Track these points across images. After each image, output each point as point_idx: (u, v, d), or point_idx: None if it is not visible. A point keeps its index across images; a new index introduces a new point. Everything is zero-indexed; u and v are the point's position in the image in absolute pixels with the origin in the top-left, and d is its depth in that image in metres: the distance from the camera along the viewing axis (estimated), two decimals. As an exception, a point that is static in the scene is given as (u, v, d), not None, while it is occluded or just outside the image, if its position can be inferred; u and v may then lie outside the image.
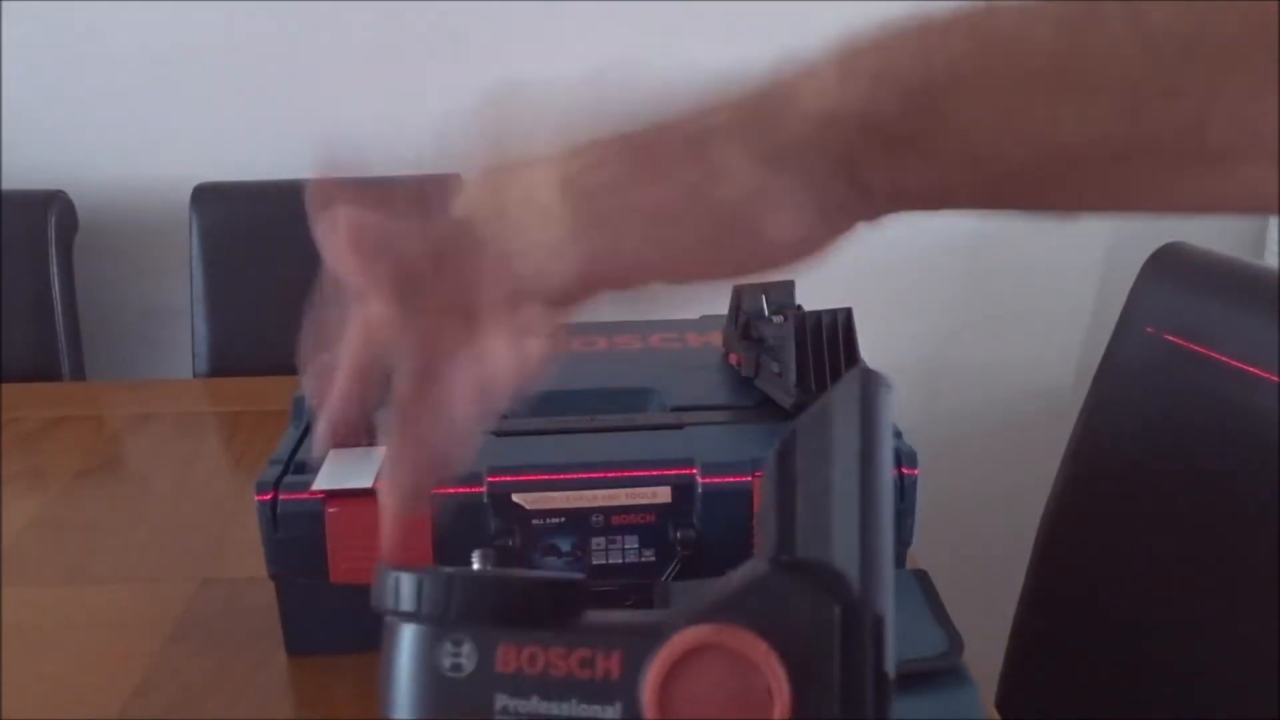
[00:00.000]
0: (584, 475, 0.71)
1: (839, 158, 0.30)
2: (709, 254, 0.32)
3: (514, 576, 0.32)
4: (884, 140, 0.30)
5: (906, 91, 0.30)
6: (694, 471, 0.71)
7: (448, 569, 0.31)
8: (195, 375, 1.61)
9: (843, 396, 0.31)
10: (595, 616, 0.31)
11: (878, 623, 0.29)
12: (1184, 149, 0.28)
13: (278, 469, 0.72)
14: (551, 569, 0.71)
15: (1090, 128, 0.28)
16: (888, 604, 0.29)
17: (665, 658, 0.28)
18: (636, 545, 0.70)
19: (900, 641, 0.29)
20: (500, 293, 0.33)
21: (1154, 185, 0.29)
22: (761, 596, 0.29)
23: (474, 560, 0.33)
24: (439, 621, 0.30)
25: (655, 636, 0.29)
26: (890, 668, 0.29)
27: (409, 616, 0.31)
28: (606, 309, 0.34)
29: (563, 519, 0.70)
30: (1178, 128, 0.28)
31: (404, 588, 0.31)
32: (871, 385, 0.31)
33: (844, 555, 0.30)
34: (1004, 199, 0.31)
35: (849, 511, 0.30)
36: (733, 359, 0.89)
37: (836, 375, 0.79)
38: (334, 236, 0.33)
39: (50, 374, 1.58)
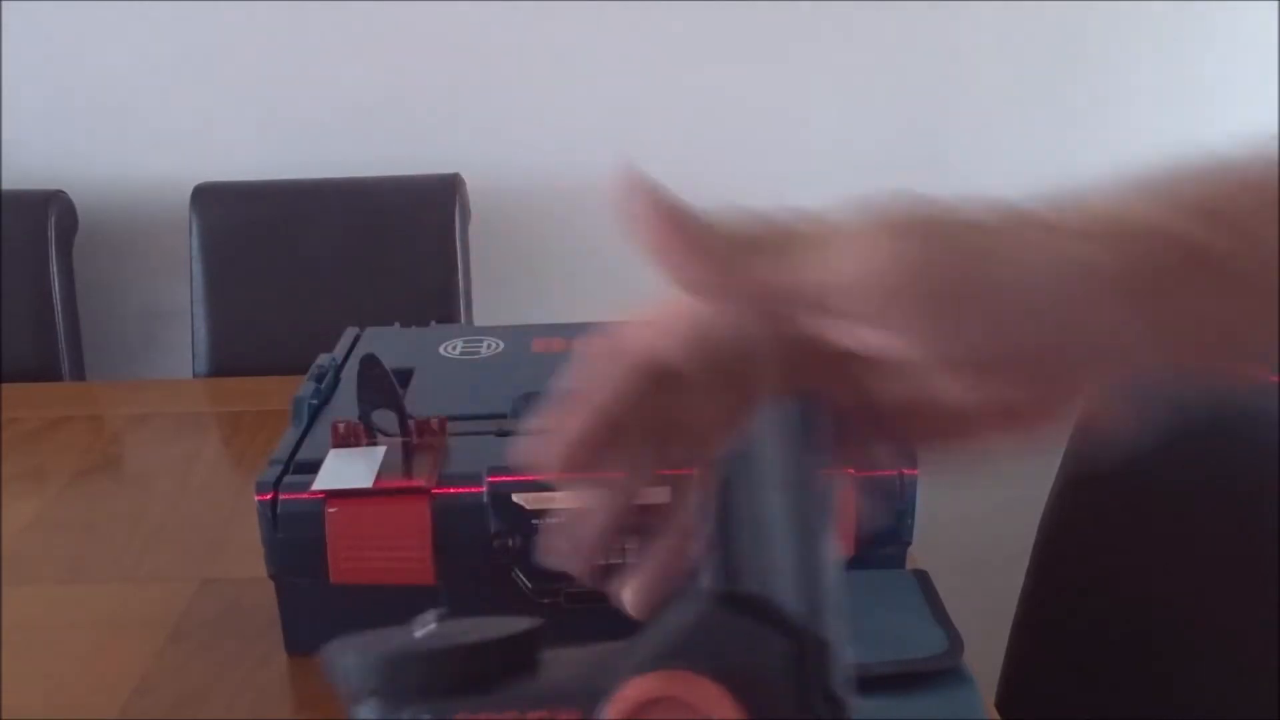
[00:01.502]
0: (584, 475, 0.71)
1: (1149, 283, 0.27)
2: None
3: (463, 644, 0.31)
4: (1183, 259, 0.27)
5: (1195, 209, 0.27)
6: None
7: (398, 640, 0.31)
8: (195, 375, 1.61)
9: (769, 424, 0.31)
10: (553, 666, 0.31)
11: (823, 648, 0.29)
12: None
13: (278, 469, 0.72)
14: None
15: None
16: (832, 628, 0.29)
17: (620, 712, 0.28)
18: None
19: (900, 641, 0.29)
20: None
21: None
22: (708, 637, 0.29)
23: (423, 624, 0.32)
24: (393, 699, 0.30)
25: (608, 691, 0.29)
26: (840, 689, 0.29)
27: (363, 694, 0.30)
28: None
29: (563, 519, 0.70)
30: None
31: (354, 668, 0.30)
32: (797, 411, 0.31)
33: (784, 585, 0.29)
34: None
35: (786, 540, 0.30)
36: (733, 359, 0.89)
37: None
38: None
39: (50, 374, 1.58)
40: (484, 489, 0.71)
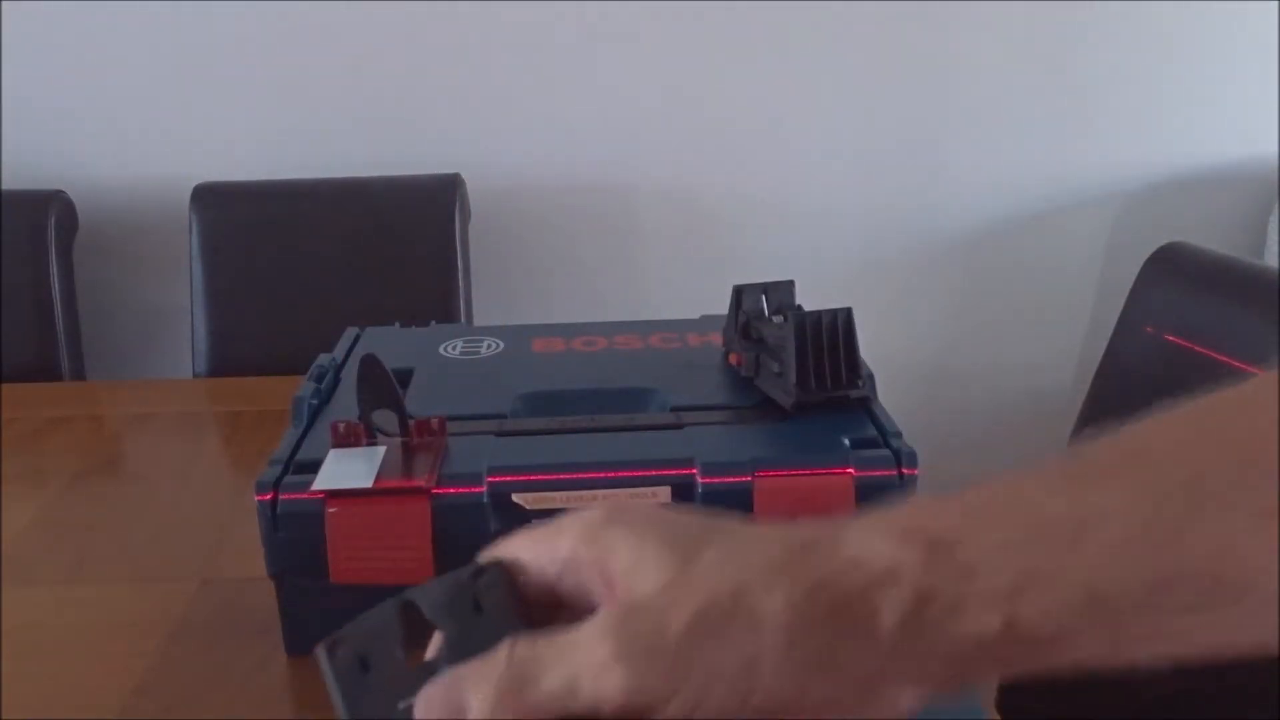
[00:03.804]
0: (584, 475, 0.71)
1: (864, 627, 0.30)
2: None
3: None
4: (907, 600, 0.30)
5: (927, 544, 0.30)
6: (694, 471, 0.71)
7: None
8: (195, 375, 1.61)
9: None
10: None
11: None
12: (1200, 590, 0.29)
13: (278, 469, 0.72)
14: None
15: (1093, 574, 0.29)
16: None
17: None
18: None
19: None
20: None
21: (1155, 632, 0.30)
22: None
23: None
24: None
25: None
26: None
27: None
28: None
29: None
30: (1169, 569, 0.29)
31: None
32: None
33: None
34: (1021, 657, 0.31)
35: None
36: (733, 359, 0.89)
37: (836, 375, 0.79)
38: None
39: (50, 374, 1.58)
40: (484, 489, 0.71)
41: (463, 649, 0.34)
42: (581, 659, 0.31)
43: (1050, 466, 0.32)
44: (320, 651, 0.35)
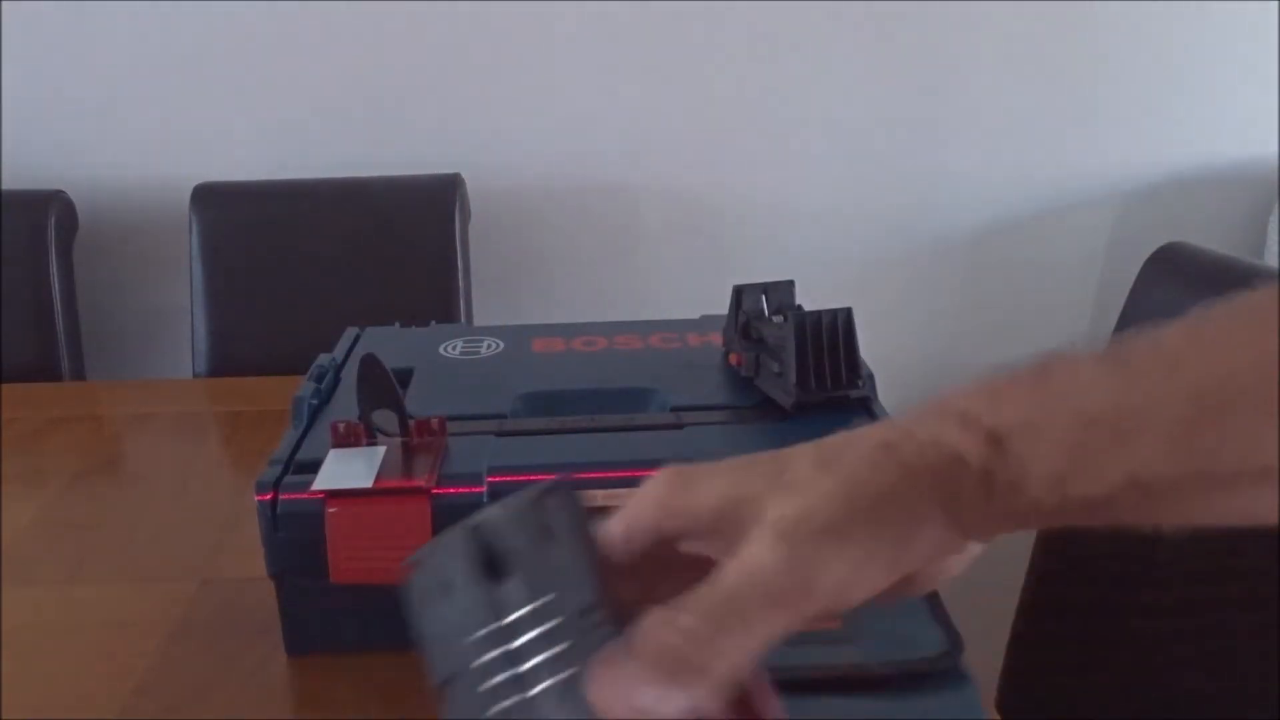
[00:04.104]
0: (584, 475, 0.71)
1: (946, 490, 0.35)
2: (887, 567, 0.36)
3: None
4: (976, 478, 0.35)
5: (986, 436, 0.35)
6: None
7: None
8: (195, 375, 1.61)
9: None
10: None
11: None
12: (1210, 477, 0.34)
13: (278, 469, 0.72)
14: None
15: (1136, 465, 0.34)
16: None
17: None
18: None
19: (900, 641, 0.29)
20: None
21: (1184, 506, 0.35)
22: None
23: None
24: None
25: None
26: None
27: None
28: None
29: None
30: (1202, 462, 0.33)
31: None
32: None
33: None
34: (1071, 519, 0.36)
35: None
36: (733, 359, 0.89)
37: (836, 375, 0.79)
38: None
39: (50, 374, 1.58)
40: (484, 489, 0.71)
41: (536, 573, 0.34)
42: (844, 554, 0.34)
43: (1093, 359, 0.36)
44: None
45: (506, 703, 0.34)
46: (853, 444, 0.37)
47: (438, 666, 0.36)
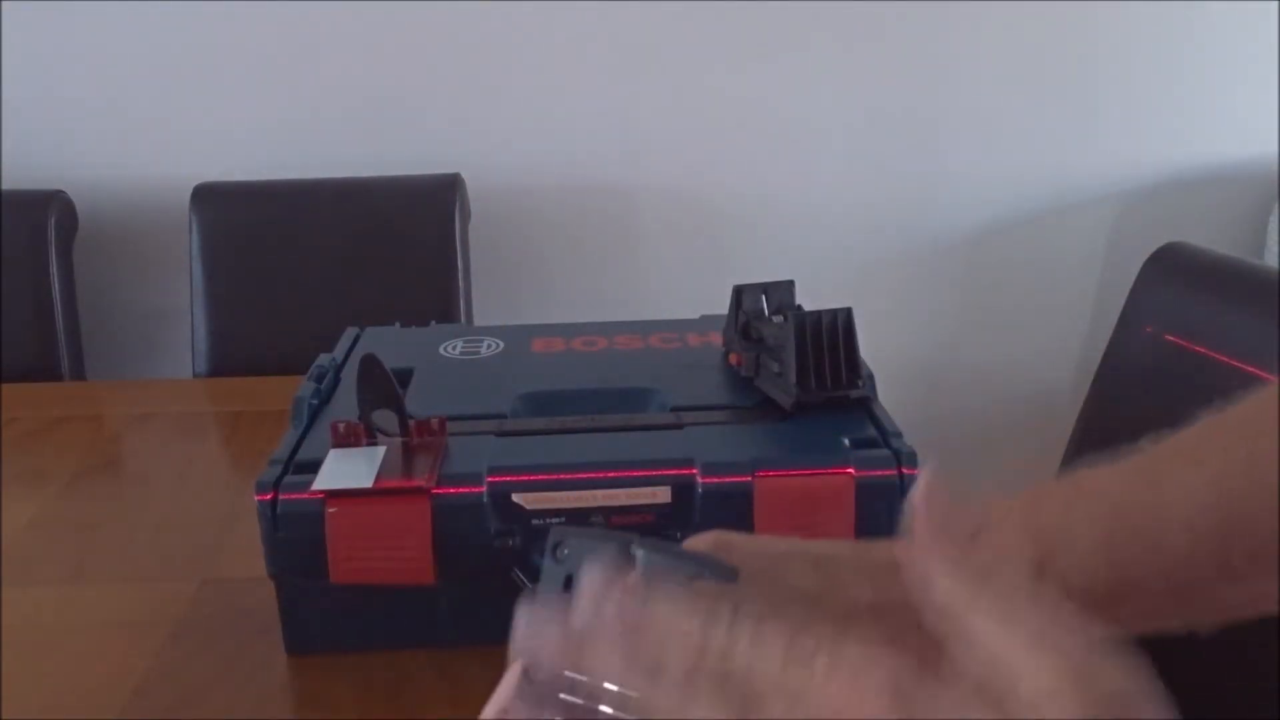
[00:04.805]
0: (584, 475, 0.71)
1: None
2: None
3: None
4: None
5: (1036, 563, 0.35)
6: (694, 471, 0.71)
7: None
8: (195, 375, 1.61)
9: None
10: None
11: None
12: (1241, 568, 0.35)
13: (278, 469, 0.72)
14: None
15: (1166, 564, 0.35)
16: None
17: None
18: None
19: None
20: None
21: (1219, 597, 0.37)
22: None
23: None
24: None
25: None
26: None
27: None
28: None
29: (563, 519, 0.70)
30: (1234, 553, 0.35)
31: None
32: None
33: None
34: (1124, 624, 0.35)
35: None
36: (733, 359, 0.89)
37: (836, 375, 0.79)
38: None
39: (50, 374, 1.58)
40: (484, 489, 0.71)
41: None
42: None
43: (1126, 466, 0.37)
44: (547, 546, 0.37)
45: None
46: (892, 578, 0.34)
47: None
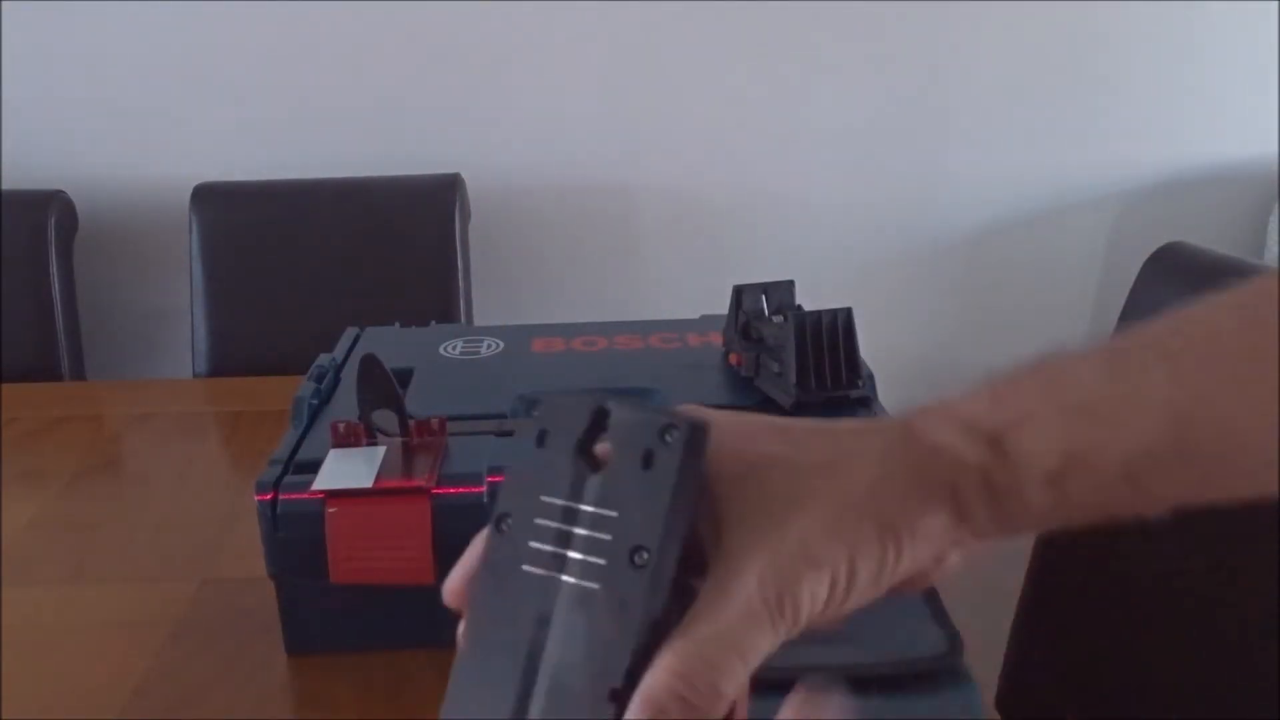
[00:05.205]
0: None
1: (951, 494, 0.36)
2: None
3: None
4: (977, 483, 0.36)
5: (987, 441, 0.36)
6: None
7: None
8: (195, 375, 1.61)
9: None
10: None
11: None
12: (1215, 456, 0.36)
13: (278, 469, 0.72)
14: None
15: (1130, 450, 0.35)
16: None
17: None
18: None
19: (900, 641, 0.29)
20: None
21: (1177, 489, 0.37)
22: None
23: None
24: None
25: None
26: None
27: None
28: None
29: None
30: (1195, 440, 0.35)
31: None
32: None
33: None
34: (1070, 516, 0.37)
35: None
36: (733, 359, 0.89)
37: (836, 375, 0.79)
38: None
39: (50, 374, 1.58)
40: (484, 489, 0.71)
41: (617, 488, 0.35)
42: (822, 577, 0.34)
43: (1084, 353, 0.38)
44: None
45: (537, 570, 0.35)
46: (864, 440, 0.38)
47: (503, 498, 0.37)
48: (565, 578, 0.35)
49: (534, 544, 0.35)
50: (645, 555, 0.34)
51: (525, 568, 0.35)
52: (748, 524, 0.35)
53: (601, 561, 0.34)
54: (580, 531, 0.35)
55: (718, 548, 0.35)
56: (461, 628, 0.37)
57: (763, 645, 0.34)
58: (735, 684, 0.33)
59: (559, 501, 0.36)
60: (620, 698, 0.33)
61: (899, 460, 0.37)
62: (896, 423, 0.39)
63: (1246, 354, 0.36)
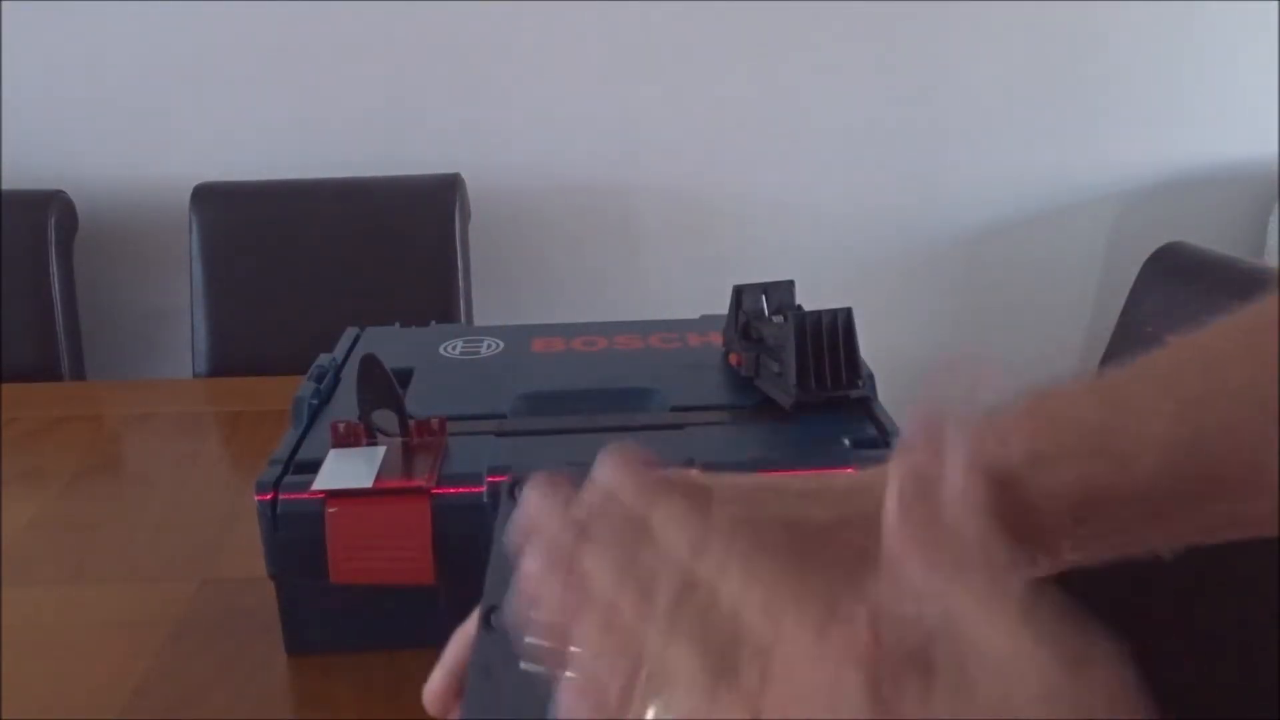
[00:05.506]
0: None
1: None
2: None
3: None
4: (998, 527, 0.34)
5: (996, 478, 0.34)
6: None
7: None
8: (195, 375, 1.61)
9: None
10: None
11: None
12: (1210, 488, 0.35)
13: (278, 469, 0.72)
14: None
15: (1136, 483, 0.35)
16: None
17: None
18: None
19: None
20: None
21: (1184, 524, 0.36)
22: None
23: None
24: None
25: None
26: None
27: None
28: None
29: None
30: (1203, 473, 0.35)
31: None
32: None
33: None
34: (1095, 554, 0.37)
35: None
36: (733, 359, 0.89)
37: (836, 375, 0.79)
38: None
39: (50, 374, 1.58)
40: (484, 489, 0.71)
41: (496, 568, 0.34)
42: None
43: (1086, 388, 0.37)
44: (503, 488, 0.36)
45: (538, 668, 0.33)
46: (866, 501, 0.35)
47: (489, 590, 0.35)
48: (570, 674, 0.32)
49: (531, 639, 0.33)
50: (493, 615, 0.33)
51: (523, 666, 0.33)
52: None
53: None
54: None
55: None
56: None
57: None
58: None
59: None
60: None
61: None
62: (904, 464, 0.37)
63: (1249, 386, 0.35)
